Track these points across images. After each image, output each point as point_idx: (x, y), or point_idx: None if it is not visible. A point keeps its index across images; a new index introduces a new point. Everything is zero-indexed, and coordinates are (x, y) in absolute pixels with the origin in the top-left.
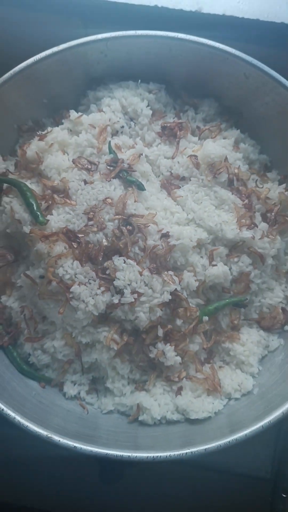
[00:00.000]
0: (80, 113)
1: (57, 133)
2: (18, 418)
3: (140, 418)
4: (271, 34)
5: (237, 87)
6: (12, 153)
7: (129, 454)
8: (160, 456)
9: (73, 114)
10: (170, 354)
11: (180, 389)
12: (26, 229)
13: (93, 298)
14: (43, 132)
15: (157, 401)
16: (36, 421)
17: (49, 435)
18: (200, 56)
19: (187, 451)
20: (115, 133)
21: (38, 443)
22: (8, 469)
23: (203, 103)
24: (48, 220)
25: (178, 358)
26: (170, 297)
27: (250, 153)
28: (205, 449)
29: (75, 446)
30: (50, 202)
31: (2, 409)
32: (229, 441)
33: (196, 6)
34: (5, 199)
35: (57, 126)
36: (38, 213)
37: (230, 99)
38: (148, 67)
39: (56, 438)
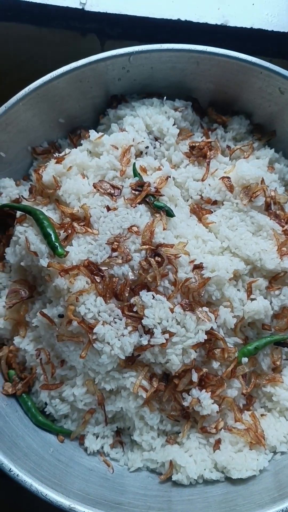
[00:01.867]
0: (100, 133)
1: (75, 155)
2: (36, 485)
3: (174, 477)
4: None
5: (270, 103)
6: (26, 178)
7: None
8: None
9: (93, 134)
10: (206, 402)
11: (218, 442)
12: (43, 262)
13: (119, 340)
14: (60, 155)
15: (192, 457)
16: (56, 487)
17: (72, 506)
18: (230, 71)
19: None
20: (139, 154)
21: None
22: None
23: (232, 121)
24: (67, 252)
25: (215, 407)
26: (205, 336)
27: (286, 174)
28: None
29: None
30: (69, 231)
31: (17, 475)
32: (282, 510)
33: (222, 19)
34: (19, 228)
35: (75, 147)
36: (57, 244)
37: (262, 116)
38: (173, 83)
39: (80, 508)
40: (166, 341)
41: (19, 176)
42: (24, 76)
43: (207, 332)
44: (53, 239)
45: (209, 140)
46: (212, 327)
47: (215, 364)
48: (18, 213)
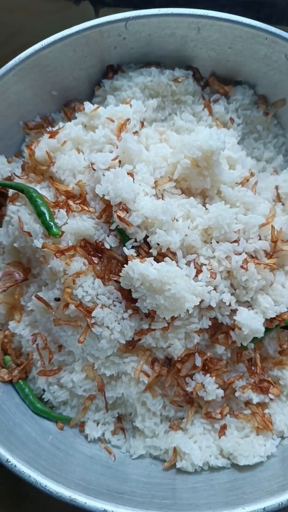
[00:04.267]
0: (96, 105)
1: (70, 129)
2: (35, 476)
3: (179, 465)
4: None
5: (275, 71)
6: (18, 155)
7: None
8: None
9: (88, 106)
10: (211, 387)
11: (223, 428)
12: (38, 242)
13: (119, 323)
14: (54, 129)
15: (197, 443)
16: (55, 477)
17: (73, 497)
18: (233, 37)
19: (242, 510)
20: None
21: None
22: None
23: (235, 92)
24: (63, 232)
25: (220, 391)
26: (209, 323)
27: None
28: (264, 509)
29: (105, 510)
30: (64, 209)
31: (15, 465)
32: None
33: None
34: (12, 207)
35: (69, 121)
36: (51, 223)
37: (266, 86)
38: (172, 52)
39: (82, 499)
40: (168, 325)
41: (10, 153)
42: (15, 48)
43: (211, 318)
44: (47, 218)
45: None
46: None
47: (220, 349)
48: (10, 192)
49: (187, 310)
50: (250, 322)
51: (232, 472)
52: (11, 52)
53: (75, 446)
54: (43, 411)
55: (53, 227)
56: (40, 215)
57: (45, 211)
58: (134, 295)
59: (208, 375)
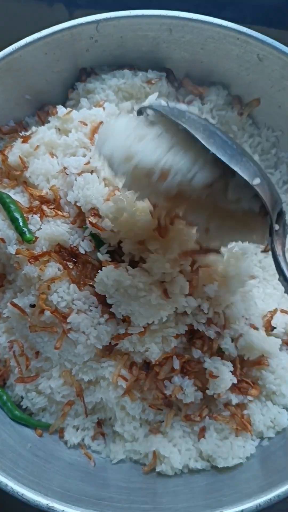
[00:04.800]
0: (69, 109)
1: (43, 133)
2: (12, 485)
3: (158, 468)
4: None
5: (249, 71)
6: None
7: None
8: None
9: (61, 110)
10: (189, 390)
11: (203, 430)
12: (11, 249)
13: (95, 329)
14: (27, 133)
15: (176, 447)
16: (33, 485)
17: (50, 504)
18: (205, 38)
19: None
20: None
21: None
22: None
23: (210, 92)
24: (36, 238)
25: (199, 394)
26: (186, 328)
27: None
28: (242, 511)
29: None
30: (38, 215)
31: None
32: (270, 499)
33: None
34: None
35: (43, 125)
36: (25, 229)
37: (240, 86)
38: (145, 54)
39: (59, 507)
40: (144, 330)
41: None
42: None
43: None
44: (21, 224)
45: None
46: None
47: (197, 353)
48: None
49: (161, 318)
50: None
51: (212, 475)
52: None
53: (54, 453)
54: (22, 418)
55: (27, 232)
56: (13, 221)
57: (18, 217)
58: (108, 301)
59: (186, 377)
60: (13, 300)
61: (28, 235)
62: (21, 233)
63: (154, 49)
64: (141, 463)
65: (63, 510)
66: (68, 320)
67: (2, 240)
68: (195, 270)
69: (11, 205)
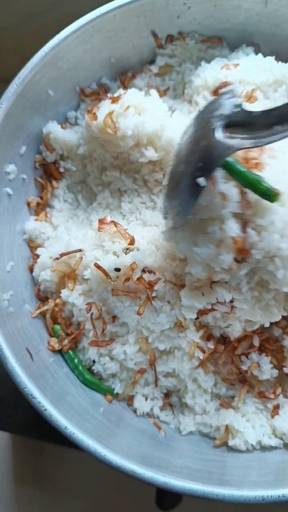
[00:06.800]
0: None
1: (133, 95)
2: (94, 445)
3: (231, 443)
4: None
5: None
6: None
7: (234, 492)
8: (273, 495)
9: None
10: (266, 367)
11: (276, 407)
12: None
13: (180, 300)
14: (114, 95)
15: (250, 422)
16: (115, 449)
17: (132, 468)
18: None
19: None
20: None
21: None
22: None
23: None
24: None
25: (275, 371)
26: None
27: None
28: None
29: (166, 483)
30: None
31: (73, 433)
32: None
33: None
34: None
35: (126, 89)
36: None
37: None
38: (235, 25)
39: (141, 471)
40: (231, 309)
41: (64, 119)
42: (60, 16)
43: None
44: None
45: None
46: None
47: (277, 331)
48: None
49: None
50: None
51: (284, 453)
52: (58, 18)
53: (124, 419)
54: (93, 382)
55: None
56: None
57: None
58: None
59: (263, 354)
60: (97, 261)
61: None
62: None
63: (245, 21)
64: (210, 437)
65: (145, 474)
66: (155, 288)
67: None
68: None
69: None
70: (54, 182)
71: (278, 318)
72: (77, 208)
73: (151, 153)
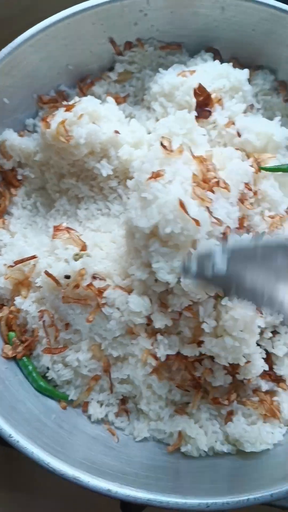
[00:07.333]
0: None
1: (87, 103)
2: (38, 453)
3: (183, 449)
4: None
5: None
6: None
7: (178, 500)
8: (217, 502)
9: None
10: (219, 373)
11: (230, 414)
12: None
13: (130, 306)
14: (69, 103)
15: (202, 429)
16: (58, 455)
17: (76, 475)
18: (258, 19)
19: (249, 497)
20: None
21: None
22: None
23: (256, 76)
24: None
25: (229, 378)
26: None
27: None
28: (271, 495)
29: (109, 490)
30: None
31: (18, 441)
32: None
33: None
34: None
35: (84, 96)
36: None
37: None
38: (193, 31)
39: (85, 478)
40: (179, 315)
41: (22, 127)
42: (31, 21)
43: None
44: None
45: None
46: None
47: None
48: None
49: None
50: None
51: (237, 459)
52: (25, 26)
53: (78, 426)
54: (47, 389)
55: None
56: None
57: None
58: None
59: (216, 360)
60: (47, 269)
61: None
62: None
63: (203, 27)
64: (164, 443)
65: (88, 481)
66: (104, 294)
67: None
68: None
69: None
70: (12, 190)
71: None
72: (36, 214)
73: (106, 170)
